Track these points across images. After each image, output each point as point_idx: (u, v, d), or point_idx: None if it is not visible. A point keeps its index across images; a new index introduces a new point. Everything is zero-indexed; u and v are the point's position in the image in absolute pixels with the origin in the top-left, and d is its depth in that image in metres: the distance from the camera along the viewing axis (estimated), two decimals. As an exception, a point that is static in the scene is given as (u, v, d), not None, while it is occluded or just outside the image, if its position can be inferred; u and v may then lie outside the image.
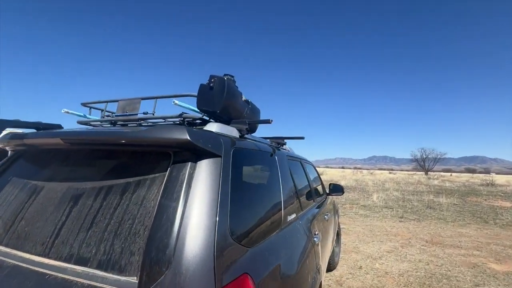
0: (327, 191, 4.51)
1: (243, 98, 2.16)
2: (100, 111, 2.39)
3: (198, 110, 1.91)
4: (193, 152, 1.25)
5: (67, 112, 2.35)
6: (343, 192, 4.56)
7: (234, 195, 1.29)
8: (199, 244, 1.04)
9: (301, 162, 3.29)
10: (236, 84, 2.07)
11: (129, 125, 2.09)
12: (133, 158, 1.36)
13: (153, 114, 1.99)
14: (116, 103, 2.16)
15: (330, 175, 39.96)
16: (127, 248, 1.10)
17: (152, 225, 1.09)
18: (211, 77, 1.82)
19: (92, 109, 2.42)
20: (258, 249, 1.36)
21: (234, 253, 1.16)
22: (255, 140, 2.01)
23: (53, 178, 1.48)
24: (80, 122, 2.29)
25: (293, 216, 2.09)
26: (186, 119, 1.99)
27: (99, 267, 1.10)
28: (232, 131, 1.69)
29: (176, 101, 1.85)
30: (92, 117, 2.41)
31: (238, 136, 1.72)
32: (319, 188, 4.07)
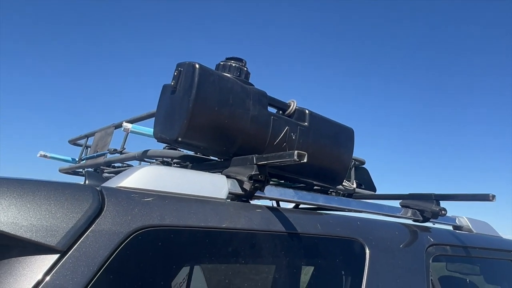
0: None
1: (293, 107, 1.12)
2: (87, 148, 1.67)
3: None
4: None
5: (45, 157, 1.73)
6: None
7: None
8: None
9: None
10: (248, 76, 1.08)
11: (105, 172, 1.54)
12: None
13: (121, 153, 1.34)
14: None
15: None
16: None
17: None
18: (177, 66, 0.94)
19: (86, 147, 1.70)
20: None
21: None
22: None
23: None
24: (62, 171, 1.73)
25: None
26: (153, 158, 1.36)
27: None
28: (215, 187, 0.85)
29: (128, 125, 1.19)
30: (63, 158, 1.80)
31: (224, 199, 0.86)
32: None
